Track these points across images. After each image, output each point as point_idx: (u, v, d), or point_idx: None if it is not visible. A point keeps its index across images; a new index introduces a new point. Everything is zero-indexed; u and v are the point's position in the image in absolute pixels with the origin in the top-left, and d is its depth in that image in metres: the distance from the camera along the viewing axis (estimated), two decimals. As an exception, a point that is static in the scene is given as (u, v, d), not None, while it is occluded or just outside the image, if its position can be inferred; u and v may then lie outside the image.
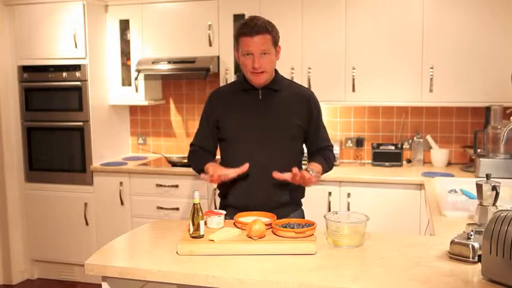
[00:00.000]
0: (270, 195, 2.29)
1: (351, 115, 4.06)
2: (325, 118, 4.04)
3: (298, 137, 2.36)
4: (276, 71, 2.35)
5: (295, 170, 2.15)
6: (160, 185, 3.88)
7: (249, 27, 2.18)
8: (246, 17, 3.69)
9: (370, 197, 3.44)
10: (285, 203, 2.34)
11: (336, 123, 4.08)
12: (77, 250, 4.06)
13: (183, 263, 1.74)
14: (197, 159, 2.40)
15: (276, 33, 2.25)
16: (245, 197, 2.30)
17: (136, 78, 4.07)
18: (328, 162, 2.38)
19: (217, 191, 2.47)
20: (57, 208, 4.11)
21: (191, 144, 2.47)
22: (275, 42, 2.24)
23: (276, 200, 2.30)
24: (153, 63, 4.00)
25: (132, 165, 4.02)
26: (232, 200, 2.35)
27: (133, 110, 4.54)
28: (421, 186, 3.34)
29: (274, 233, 1.93)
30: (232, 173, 2.20)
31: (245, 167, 2.19)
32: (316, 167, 2.26)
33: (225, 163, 2.37)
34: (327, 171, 2.38)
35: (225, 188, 2.38)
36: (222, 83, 3.91)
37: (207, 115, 2.40)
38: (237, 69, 3.88)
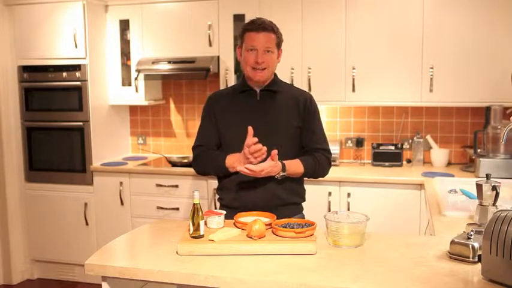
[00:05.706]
0: (270, 195, 2.29)
1: (351, 115, 4.06)
2: (325, 118, 4.04)
3: (296, 138, 2.35)
4: (275, 74, 2.36)
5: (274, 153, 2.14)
6: (160, 185, 3.87)
7: (255, 24, 2.24)
8: (246, 17, 3.73)
9: (370, 197, 3.44)
10: (285, 203, 2.33)
11: (335, 123, 4.08)
12: (77, 250, 4.06)
13: (183, 263, 1.74)
14: (209, 160, 2.33)
15: (280, 36, 2.30)
16: (245, 198, 2.30)
17: (136, 78, 4.07)
18: (316, 164, 2.31)
19: (217, 191, 2.47)
20: (57, 208, 4.11)
21: (195, 147, 2.40)
22: (278, 44, 2.29)
23: (276, 200, 2.30)
24: (153, 63, 4.00)
25: (132, 165, 4.02)
26: (233, 201, 2.34)
27: (133, 110, 4.54)
28: (421, 186, 3.34)
29: (274, 233, 1.93)
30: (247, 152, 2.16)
31: (249, 130, 2.15)
32: (291, 166, 2.24)
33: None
34: (313, 173, 2.33)
35: (225, 190, 2.38)
36: (222, 83, 3.92)
37: (208, 114, 2.40)
38: (237, 69, 3.88)
